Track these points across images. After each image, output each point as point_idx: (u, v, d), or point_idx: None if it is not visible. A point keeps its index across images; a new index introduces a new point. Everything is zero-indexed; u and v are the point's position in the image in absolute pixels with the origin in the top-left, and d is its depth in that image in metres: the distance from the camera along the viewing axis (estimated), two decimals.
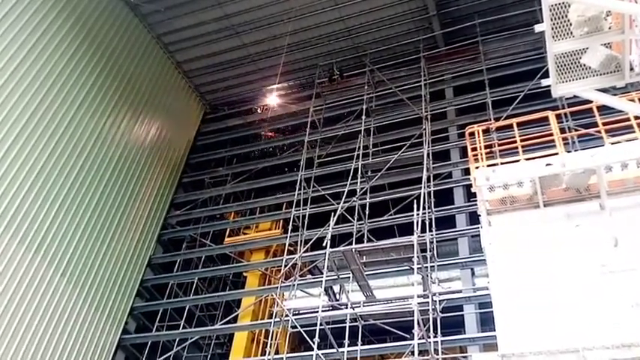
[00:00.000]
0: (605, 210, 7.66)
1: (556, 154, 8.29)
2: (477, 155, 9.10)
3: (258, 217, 19.19)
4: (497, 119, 13.64)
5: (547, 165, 7.89)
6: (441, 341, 12.06)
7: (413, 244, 11.66)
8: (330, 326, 12.34)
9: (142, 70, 19.47)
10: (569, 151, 9.63)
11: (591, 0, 4.74)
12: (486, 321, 12.81)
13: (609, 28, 4.91)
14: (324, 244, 13.03)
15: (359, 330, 12.94)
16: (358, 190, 15.33)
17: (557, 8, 4.94)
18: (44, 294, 14.14)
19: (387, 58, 19.72)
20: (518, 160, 8.63)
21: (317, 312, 12.15)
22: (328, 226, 13.72)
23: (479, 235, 8.63)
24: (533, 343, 6.91)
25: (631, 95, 7.99)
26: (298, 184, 16.96)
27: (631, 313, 6.65)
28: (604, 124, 8.76)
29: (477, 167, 8.77)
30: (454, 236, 14.95)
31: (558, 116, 10.00)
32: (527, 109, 14.72)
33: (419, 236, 11.85)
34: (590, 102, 7.69)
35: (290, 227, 16.21)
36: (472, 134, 9.62)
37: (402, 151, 15.69)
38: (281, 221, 18.78)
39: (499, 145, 10.19)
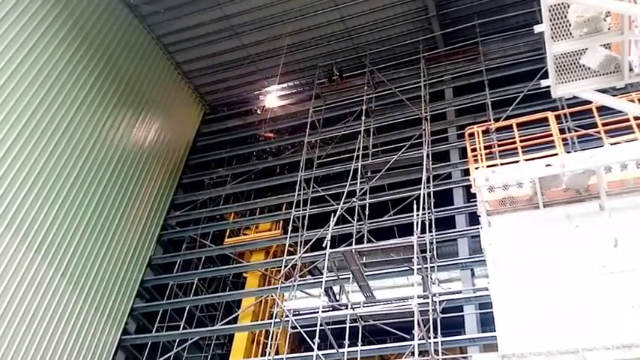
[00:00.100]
0: (604, 210, 7.66)
1: (556, 154, 8.28)
2: (476, 156, 9.10)
3: (258, 217, 19.19)
4: (496, 120, 13.68)
5: (547, 166, 7.88)
6: (441, 342, 12.06)
7: (413, 245, 11.66)
8: (330, 327, 12.32)
9: (142, 71, 19.48)
10: (568, 152, 9.63)
11: (590, 1, 4.74)
12: (486, 321, 12.80)
13: (608, 28, 4.92)
14: (324, 245, 13.03)
15: (359, 330, 12.94)
16: (358, 191, 15.32)
17: (557, 9, 4.95)
18: (45, 294, 14.16)
19: (386, 59, 19.74)
20: (517, 161, 8.62)
21: (317, 312, 12.14)
22: (328, 226, 13.73)
23: (479, 236, 8.63)
24: (534, 343, 6.91)
25: (630, 96, 7.99)
26: (298, 184, 16.96)
27: (631, 314, 6.65)
28: (603, 124, 8.76)
29: (476, 168, 8.76)
30: (454, 237, 14.96)
31: (558, 117, 10.00)
32: (526, 109, 14.77)
33: (419, 237, 11.85)
34: (590, 103, 7.70)
35: (290, 228, 16.21)
36: (472, 135, 9.62)
37: (401, 151, 15.70)
38: (281, 222, 18.79)
39: (499, 145, 10.20)
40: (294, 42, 19.88)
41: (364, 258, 13.02)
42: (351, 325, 12.43)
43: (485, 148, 9.36)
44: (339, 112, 19.67)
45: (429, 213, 13.86)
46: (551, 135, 8.86)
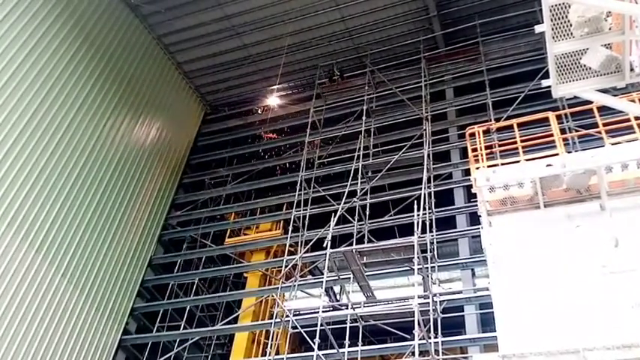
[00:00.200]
0: (605, 210, 7.66)
1: (556, 154, 8.28)
2: (477, 156, 9.10)
3: (258, 217, 19.20)
4: (497, 120, 13.68)
5: (547, 166, 7.88)
6: (442, 342, 12.06)
7: (413, 245, 11.66)
8: (330, 327, 12.33)
9: (143, 71, 19.49)
10: (569, 152, 9.63)
11: (591, 1, 4.74)
12: (487, 321, 12.81)
13: (609, 28, 4.92)
14: (324, 245, 13.04)
15: (359, 330, 12.94)
16: (359, 191, 15.32)
17: (558, 9, 4.94)
18: (45, 294, 14.17)
19: (387, 59, 19.73)
20: (518, 161, 8.62)
21: (317, 312, 12.15)
22: (329, 226, 13.73)
23: (479, 236, 8.64)
24: (534, 343, 6.91)
25: (631, 96, 7.99)
26: (299, 184, 16.96)
27: (631, 314, 6.65)
28: (604, 124, 8.76)
29: (477, 168, 8.76)
30: (454, 237, 14.96)
31: (559, 117, 9.98)
32: (527, 109, 14.77)
33: (419, 237, 11.86)
34: (591, 103, 7.69)
35: (290, 228, 16.22)
36: (472, 135, 9.61)
37: (402, 151, 15.69)
38: (281, 222, 18.79)
39: (499, 145, 10.18)
40: (295, 42, 19.89)
41: (365, 258, 13.03)
42: (351, 325, 12.43)
43: (486, 148, 9.36)
44: (339, 112, 19.66)
45: (429, 213, 13.86)
46: (552, 135, 8.85)
